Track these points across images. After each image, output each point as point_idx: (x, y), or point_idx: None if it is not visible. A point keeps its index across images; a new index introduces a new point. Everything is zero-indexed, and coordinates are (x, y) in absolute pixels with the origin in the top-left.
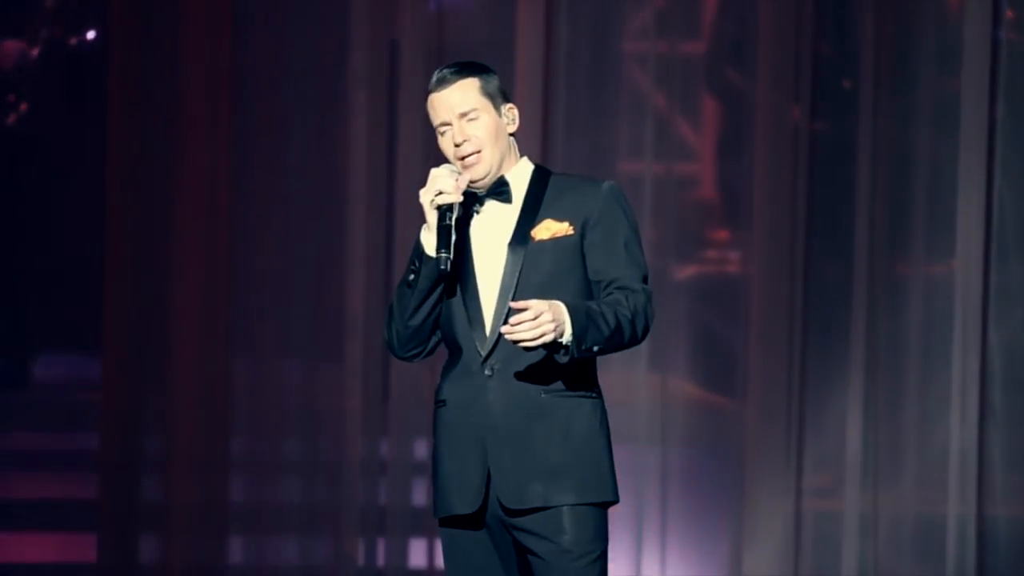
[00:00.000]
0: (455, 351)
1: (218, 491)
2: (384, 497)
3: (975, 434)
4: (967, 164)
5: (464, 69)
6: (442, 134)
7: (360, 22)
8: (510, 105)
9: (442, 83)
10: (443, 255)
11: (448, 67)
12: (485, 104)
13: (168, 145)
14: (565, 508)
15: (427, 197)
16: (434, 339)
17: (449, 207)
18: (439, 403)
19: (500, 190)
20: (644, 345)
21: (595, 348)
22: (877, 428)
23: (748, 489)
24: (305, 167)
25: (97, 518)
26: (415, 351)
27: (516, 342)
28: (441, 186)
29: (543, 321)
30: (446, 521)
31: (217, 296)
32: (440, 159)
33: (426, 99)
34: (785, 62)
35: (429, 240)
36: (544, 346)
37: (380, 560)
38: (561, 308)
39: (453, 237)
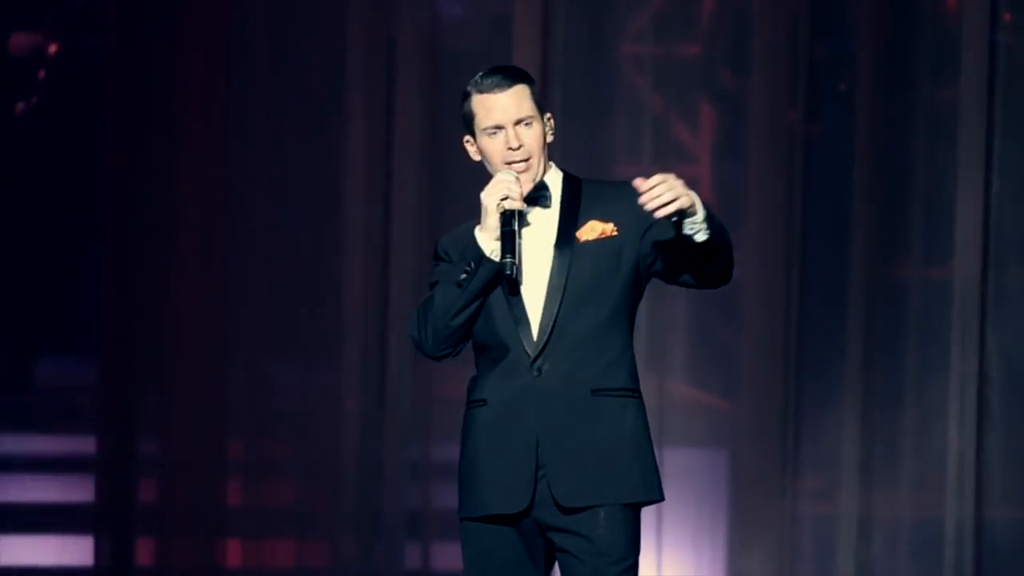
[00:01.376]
0: (496, 351)
1: (215, 494)
2: (381, 500)
3: (973, 436)
4: (965, 167)
5: (516, 75)
6: (492, 135)
7: (358, 23)
8: (549, 114)
9: (498, 86)
10: (508, 260)
11: (499, 70)
12: (535, 112)
13: (166, 147)
14: (607, 509)
15: (492, 200)
16: (463, 344)
17: (513, 213)
18: (477, 403)
19: (540, 194)
20: (640, 347)
21: (721, 228)
22: (874, 430)
23: (744, 491)
24: (302, 169)
25: (94, 521)
26: (447, 350)
27: (652, 210)
28: (508, 191)
29: (676, 184)
30: (477, 522)
31: (214, 298)
32: (438, 160)
33: (468, 97)
34: (782, 65)
35: (486, 242)
36: (674, 215)
37: (377, 563)
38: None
39: (519, 242)
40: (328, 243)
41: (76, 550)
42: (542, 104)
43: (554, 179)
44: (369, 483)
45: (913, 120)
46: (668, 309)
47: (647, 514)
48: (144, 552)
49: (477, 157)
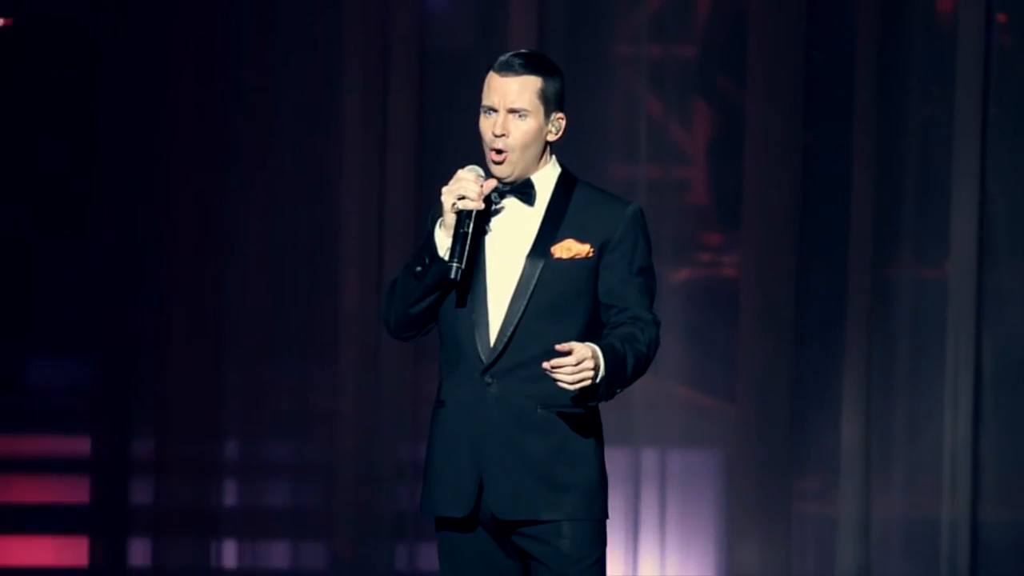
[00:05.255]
0: (456, 352)
1: (210, 494)
2: (377, 501)
3: (968, 437)
4: (960, 168)
5: (532, 64)
6: (485, 115)
7: (353, 25)
8: (560, 114)
9: (507, 69)
10: (455, 265)
11: (520, 55)
12: (536, 107)
13: (161, 149)
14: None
15: (448, 198)
16: (430, 325)
17: (468, 213)
18: (438, 403)
19: (524, 191)
20: None
21: (617, 391)
22: (870, 431)
23: (741, 491)
24: (298, 171)
25: (89, 521)
26: (410, 334)
27: (554, 379)
28: (464, 190)
29: (586, 368)
30: (442, 523)
31: (209, 300)
32: (434, 162)
33: (487, 72)
34: (777, 66)
35: (443, 240)
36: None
37: (373, 563)
38: (598, 352)
39: (467, 247)
40: (324, 244)
41: (71, 551)
42: (556, 100)
43: (547, 177)
44: (365, 484)
45: (908, 121)
46: (666, 310)
47: (648, 514)
48: (139, 553)
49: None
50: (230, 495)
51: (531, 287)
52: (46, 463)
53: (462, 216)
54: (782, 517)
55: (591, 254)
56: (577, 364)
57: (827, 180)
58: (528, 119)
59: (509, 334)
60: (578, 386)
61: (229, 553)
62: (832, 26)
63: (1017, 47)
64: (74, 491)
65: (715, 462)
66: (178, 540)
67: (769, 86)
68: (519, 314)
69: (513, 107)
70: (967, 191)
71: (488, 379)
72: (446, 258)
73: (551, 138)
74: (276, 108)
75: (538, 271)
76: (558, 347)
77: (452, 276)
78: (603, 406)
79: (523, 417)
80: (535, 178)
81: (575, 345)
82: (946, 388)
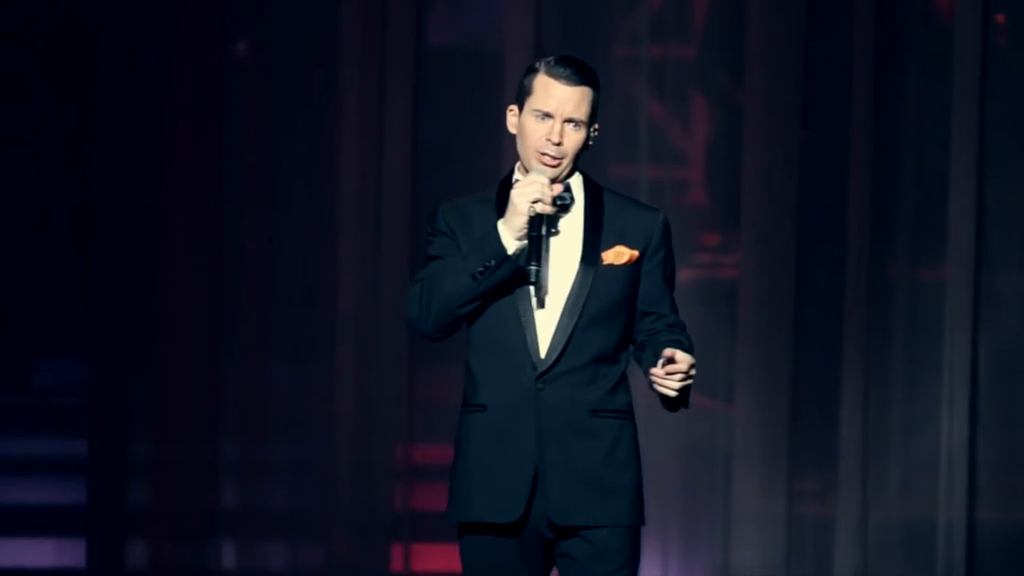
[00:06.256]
0: (499, 356)
1: (207, 496)
2: (374, 501)
3: (965, 438)
4: (958, 169)
5: (587, 75)
6: (539, 119)
7: (351, 26)
8: (596, 124)
9: (569, 78)
10: (534, 268)
11: (574, 63)
12: (588, 118)
13: (158, 150)
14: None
15: (524, 201)
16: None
17: (541, 217)
18: (476, 407)
19: (564, 198)
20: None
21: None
22: (868, 432)
23: (739, 493)
24: (295, 171)
25: (86, 523)
26: (445, 334)
27: (658, 384)
28: (540, 194)
29: (692, 375)
30: (472, 528)
31: (206, 300)
32: (431, 164)
33: (534, 72)
34: (776, 67)
35: (510, 240)
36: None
37: (370, 564)
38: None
39: (544, 249)
40: (321, 246)
41: (68, 552)
42: (596, 113)
43: (576, 182)
44: (362, 485)
45: (907, 122)
46: None
47: (648, 515)
48: (136, 554)
49: (513, 130)
50: (227, 496)
51: (585, 293)
52: (43, 464)
53: (535, 220)
54: (780, 518)
55: (636, 259)
56: (688, 370)
57: (826, 181)
58: (581, 130)
59: (565, 340)
60: (678, 393)
61: (227, 554)
62: (831, 27)
63: (1015, 48)
64: (71, 492)
65: (712, 463)
66: (176, 541)
67: (768, 87)
68: (575, 321)
69: (571, 117)
70: (965, 192)
71: (540, 384)
72: (520, 260)
73: (587, 147)
74: (273, 111)
75: (591, 278)
76: (665, 354)
77: (533, 280)
78: None
79: (574, 422)
80: (571, 183)
81: (682, 355)
82: (943, 389)
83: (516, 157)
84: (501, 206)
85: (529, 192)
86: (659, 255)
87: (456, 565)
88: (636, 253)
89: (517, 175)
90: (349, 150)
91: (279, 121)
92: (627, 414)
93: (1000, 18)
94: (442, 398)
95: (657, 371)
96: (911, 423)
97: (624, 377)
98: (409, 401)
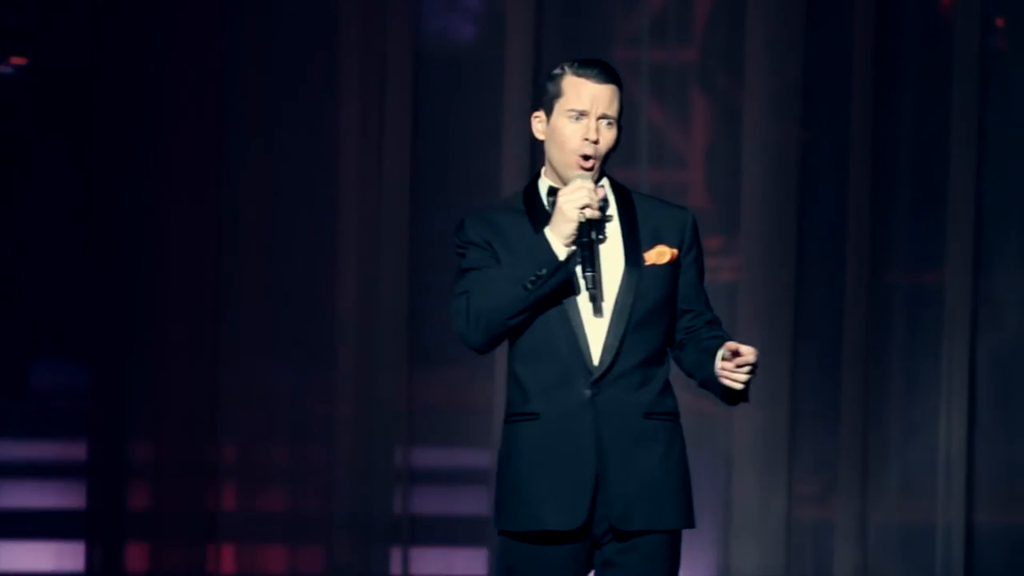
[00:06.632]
0: (550, 364)
1: (207, 499)
2: (374, 505)
3: (963, 442)
4: (957, 173)
5: (615, 74)
6: (575, 119)
7: (350, 29)
8: (621, 125)
9: (599, 76)
10: (590, 274)
11: (600, 62)
12: (619, 117)
13: (157, 152)
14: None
15: (574, 208)
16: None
17: (590, 223)
18: (528, 416)
19: (604, 199)
20: None
21: None
22: (867, 435)
23: (739, 496)
24: (295, 174)
25: (85, 526)
26: (493, 346)
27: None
28: (589, 199)
29: (755, 369)
30: (532, 537)
31: (206, 303)
32: (430, 166)
33: (560, 75)
34: (776, 70)
35: (559, 248)
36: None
37: (370, 568)
38: None
39: (595, 255)
40: (321, 248)
41: (67, 556)
42: (623, 113)
43: (603, 183)
44: (362, 489)
45: (906, 126)
46: None
47: None
48: (136, 558)
49: (541, 136)
50: (227, 499)
51: (632, 295)
52: (42, 467)
53: (583, 226)
54: (780, 520)
55: (676, 256)
56: (755, 362)
57: (825, 185)
58: (613, 127)
59: (617, 344)
60: (741, 384)
61: (226, 557)
62: (831, 30)
63: (1014, 51)
64: (71, 496)
65: (714, 465)
66: (175, 544)
67: (768, 90)
68: (625, 324)
69: (607, 114)
70: (964, 196)
71: (595, 390)
72: (570, 267)
73: (615, 148)
74: (273, 112)
75: (636, 279)
76: (729, 347)
77: (590, 287)
78: None
79: (630, 426)
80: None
81: (748, 348)
82: (942, 393)
83: (516, 158)
84: (533, 214)
85: (577, 198)
86: (692, 253)
87: (456, 568)
88: (676, 251)
89: (547, 181)
90: (349, 150)
91: (279, 121)
92: (676, 416)
93: (999, 22)
94: (442, 401)
95: (728, 364)
96: (910, 426)
97: (669, 377)
98: (408, 404)
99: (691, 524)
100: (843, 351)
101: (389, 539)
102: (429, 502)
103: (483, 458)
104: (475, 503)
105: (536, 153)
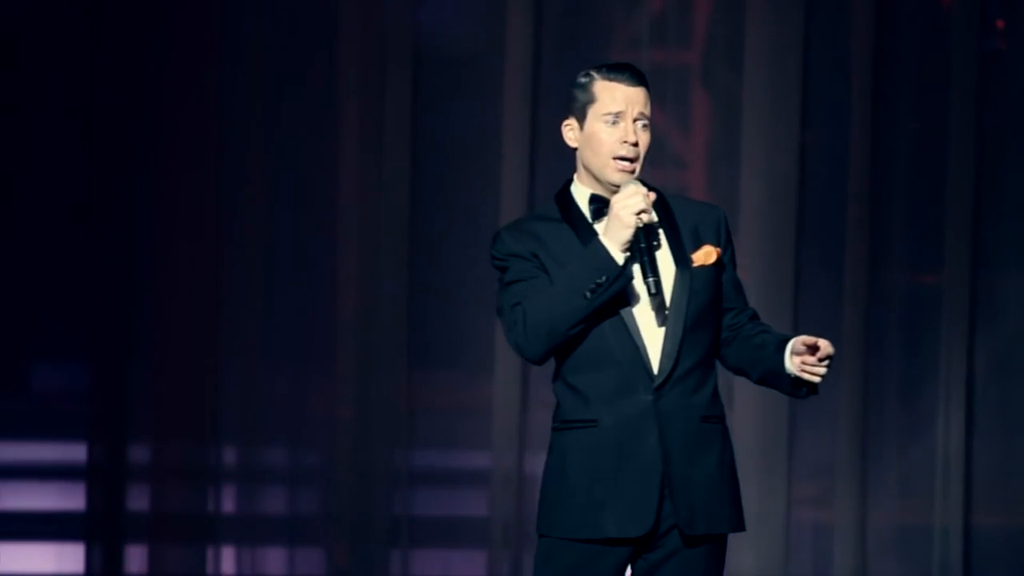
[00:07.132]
0: (608, 371)
1: (207, 501)
2: (374, 507)
3: (961, 443)
4: (956, 173)
5: (643, 76)
6: (611, 123)
7: (350, 30)
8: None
9: (631, 78)
10: (652, 279)
11: (627, 67)
12: (651, 119)
13: (156, 152)
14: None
15: (629, 212)
16: None
17: (645, 228)
18: (586, 423)
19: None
20: None
21: None
22: (866, 436)
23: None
24: (294, 176)
25: (85, 528)
26: (548, 357)
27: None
28: (644, 204)
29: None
30: (578, 541)
31: (206, 305)
32: (430, 168)
33: (589, 81)
34: (776, 71)
35: (617, 255)
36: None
37: (370, 570)
38: None
39: (655, 260)
40: (320, 250)
41: (67, 557)
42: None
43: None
44: (362, 491)
45: (905, 126)
46: None
47: None
48: (135, 560)
49: (574, 144)
50: (227, 502)
51: (686, 297)
52: (42, 469)
53: (639, 231)
54: (779, 522)
55: (720, 255)
56: (832, 354)
57: (824, 185)
58: (648, 129)
59: (677, 348)
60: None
61: (226, 560)
62: (831, 31)
63: (1014, 53)
64: (70, 498)
65: None
66: (175, 547)
67: (768, 91)
68: (681, 326)
69: (642, 113)
70: (963, 196)
71: (657, 395)
72: (629, 273)
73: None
74: (273, 113)
75: (688, 280)
76: (806, 341)
77: (653, 292)
78: None
79: (690, 430)
80: None
81: (819, 340)
82: (940, 394)
83: (516, 159)
84: (573, 223)
85: (633, 204)
86: (729, 250)
87: (456, 570)
88: (720, 250)
89: (583, 188)
90: (349, 150)
91: (279, 122)
92: (724, 419)
93: (999, 23)
94: (441, 403)
95: (810, 359)
96: (908, 427)
97: (717, 379)
98: (408, 406)
99: (743, 527)
100: (841, 351)
101: (389, 541)
102: (429, 504)
103: (483, 459)
104: (475, 505)
105: (536, 153)
